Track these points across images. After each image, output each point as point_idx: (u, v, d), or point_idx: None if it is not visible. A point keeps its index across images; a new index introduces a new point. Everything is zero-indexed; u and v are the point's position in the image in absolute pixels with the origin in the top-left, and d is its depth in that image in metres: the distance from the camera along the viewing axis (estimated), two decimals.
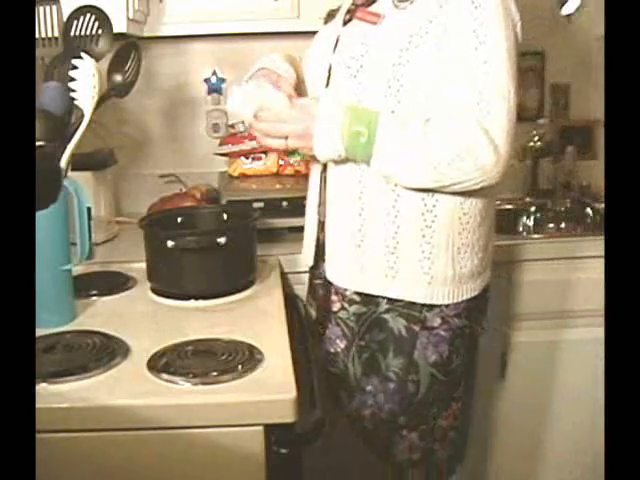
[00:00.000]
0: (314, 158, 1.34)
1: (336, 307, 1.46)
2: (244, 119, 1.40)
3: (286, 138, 1.30)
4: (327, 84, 1.40)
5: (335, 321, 1.46)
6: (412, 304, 1.36)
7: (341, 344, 1.46)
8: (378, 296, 1.38)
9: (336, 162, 1.34)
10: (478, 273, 1.40)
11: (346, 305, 1.43)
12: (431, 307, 1.36)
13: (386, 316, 1.38)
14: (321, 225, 1.46)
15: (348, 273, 1.40)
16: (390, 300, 1.37)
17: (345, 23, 1.41)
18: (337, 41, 1.40)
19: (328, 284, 1.47)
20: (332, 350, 1.48)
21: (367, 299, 1.40)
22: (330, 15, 1.50)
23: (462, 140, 1.23)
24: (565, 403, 1.95)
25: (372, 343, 1.40)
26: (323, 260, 1.47)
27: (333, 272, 1.44)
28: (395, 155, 1.25)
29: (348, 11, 1.43)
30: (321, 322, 1.52)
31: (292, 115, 1.28)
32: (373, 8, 1.35)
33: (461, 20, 1.24)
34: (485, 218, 1.38)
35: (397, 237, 1.34)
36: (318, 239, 1.48)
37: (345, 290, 1.42)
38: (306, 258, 1.53)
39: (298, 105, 1.29)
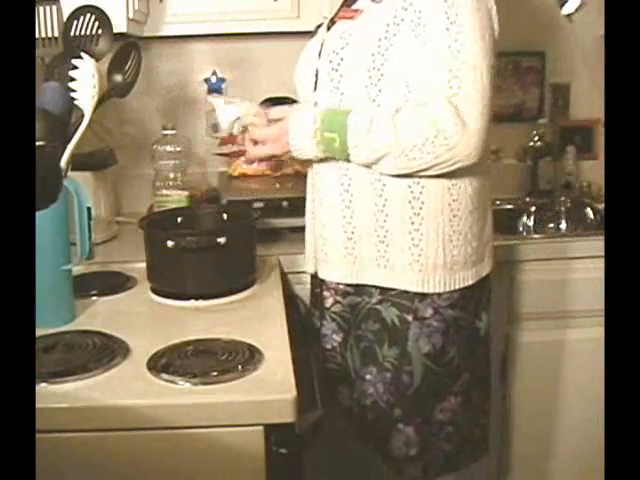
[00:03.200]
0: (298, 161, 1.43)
1: (329, 302, 1.47)
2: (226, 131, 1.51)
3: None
4: (315, 88, 1.42)
5: (330, 317, 1.48)
6: (404, 293, 1.37)
7: (337, 337, 1.47)
8: (371, 286, 1.40)
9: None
10: (472, 262, 1.40)
11: (339, 298, 1.45)
12: (423, 297, 1.37)
13: (379, 307, 1.40)
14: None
15: (341, 267, 1.42)
16: (383, 290, 1.39)
17: (329, 29, 1.43)
18: (322, 46, 1.42)
19: (320, 282, 1.48)
20: (329, 346, 1.49)
21: (360, 289, 1.42)
22: (318, 27, 1.52)
23: (431, 123, 1.25)
24: (564, 403, 1.95)
25: (368, 333, 1.42)
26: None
27: (326, 269, 1.46)
28: (369, 151, 1.29)
29: (332, 19, 1.45)
30: (316, 321, 1.53)
31: (268, 133, 1.39)
32: (353, 6, 1.39)
33: (433, 3, 1.27)
34: (477, 205, 1.39)
35: (386, 225, 1.36)
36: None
37: (338, 284, 1.44)
38: (307, 265, 1.55)
39: (274, 124, 1.40)
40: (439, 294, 1.37)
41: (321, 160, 1.39)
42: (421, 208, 1.34)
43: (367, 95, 1.32)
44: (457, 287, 1.38)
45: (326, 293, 1.48)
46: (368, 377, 1.43)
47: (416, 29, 1.28)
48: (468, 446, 1.50)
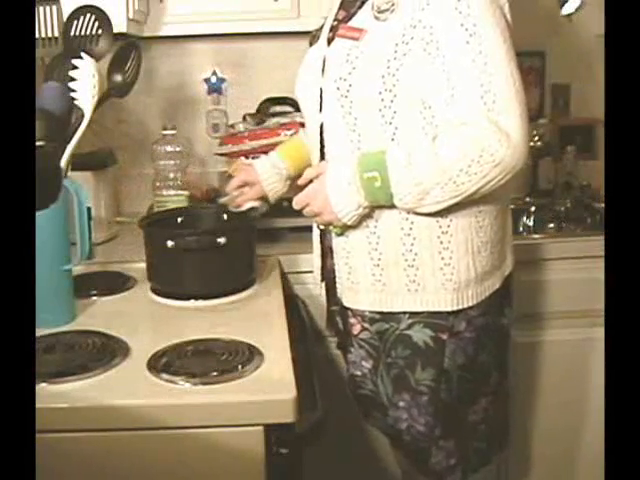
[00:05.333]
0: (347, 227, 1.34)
1: (356, 330, 1.42)
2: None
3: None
4: (320, 109, 1.37)
5: (358, 344, 1.43)
6: (437, 313, 1.33)
7: (367, 364, 1.43)
8: (400, 312, 1.36)
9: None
10: (497, 267, 1.38)
11: (367, 325, 1.40)
12: (457, 312, 1.33)
13: (409, 332, 1.35)
14: (329, 251, 1.44)
15: (370, 295, 1.37)
16: (413, 314, 1.34)
17: (329, 42, 1.38)
18: (324, 63, 1.36)
19: (345, 309, 1.44)
20: (359, 373, 1.44)
21: (388, 316, 1.36)
22: (315, 37, 1.46)
23: (473, 143, 1.20)
24: (562, 402, 1.95)
25: (398, 359, 1.37)
26: (336, 286, 1.44)
27: (352, 297, 1.40)
28: (413, 185, 1.22)
29: (331, 29, 1.40)
30: (343, 347, 1.51)
31: (305, 194, 1.33)
32: (354, 22, 1.32)
33: (446, 17, 1.21)
34: (499, 210, 1.36)
35: (414, 248, 1.31)
36: (325, 266, 1.46)
37: (364, 311, 1.39)
38: (319, 287, 1.52)
39: (308, 188, 1.34)
40: (471, 306, 1.34)
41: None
42: (449, 226, 1.30)
43: (382, 118, 1.28)
44: (487, 294, 1.36)
45: (353, 320, 1.42)
46: (401, 404, 1.38)
47: (427, 47, 1.23)
48: (496, 438, 1.48)
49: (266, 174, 1.58)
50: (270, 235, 1.82)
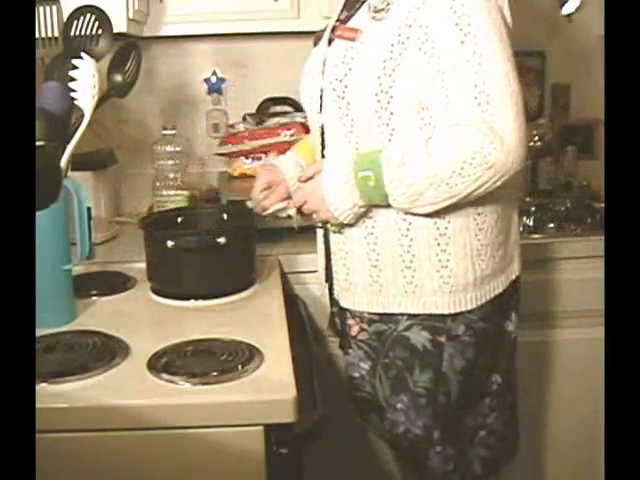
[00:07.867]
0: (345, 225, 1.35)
1: (355, 331, 1.41)
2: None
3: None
4: (320, 110, 1.37)
5: (356, 345, 1.42)
6: (435, 315, 1.32)
7: (365, 366, 1.41)
8: (398, 313, 1.35)
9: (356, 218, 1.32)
10: (500, 270, 1.36)
11: (365, 326, 1.39)
12: (455, 315, 1.32)
13: (407, 333, 1.34)
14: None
15: (366, 296, 1.36)
16: (411, 315, 1.33)
17: (330, 42, 1.38)
18: (324, 64, 1.36)
19: (343, 310, 1.43)
20: (357, 374, 1.43)
21: (386, 317, 1.36)
22: (319, 37, 1.46)
23: (465, 145, 1.18)
24: (561, 403, 1.95)
25: (397, 360, 1.36)
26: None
27: (349, 298, 1.40)
28: (407, 187, 1.22)
29: (333, 29, 1.40)
30: (342, 348, 1.50)
31: (304, 193, 1.37)
32: (352, 23, 1.32)
33: (441, 16, 1.20)
34: (502, 212, 1.35)
35: (412, 250, 1.30)
36: (330, 266, 1.45)
37: (362, 312, 1.39)
38: (323, 287, 1.51)
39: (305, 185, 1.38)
40: (470, 310, 1.33)
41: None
42: (447, 227, 1.29)
43: (379, 119, 1.27)
44: (488, 298, 1.34)
45: (351, 321, 1.42)
46: (399, 406, 1.37)
47: (423, 46, 1.22)
48: (502, 447, 1.47)
49: (291, 173, 1.54)
50: (270, 235, 1.82)
